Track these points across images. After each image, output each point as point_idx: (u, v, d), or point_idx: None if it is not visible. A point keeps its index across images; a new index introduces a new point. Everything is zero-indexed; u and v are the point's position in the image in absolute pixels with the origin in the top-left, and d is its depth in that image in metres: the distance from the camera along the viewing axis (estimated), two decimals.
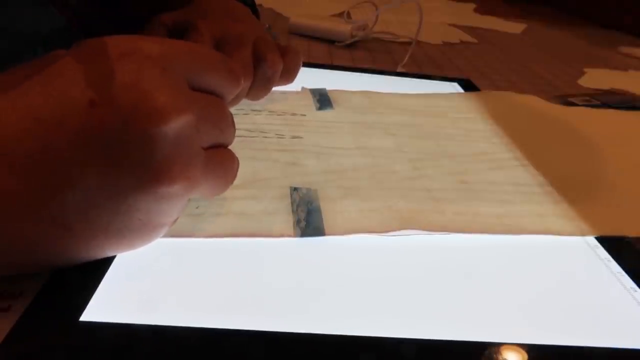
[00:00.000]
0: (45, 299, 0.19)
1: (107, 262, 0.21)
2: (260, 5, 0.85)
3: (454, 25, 0.92)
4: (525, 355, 0.19)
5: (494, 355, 0.19)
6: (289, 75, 0.37)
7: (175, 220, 0.20)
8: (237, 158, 0.22)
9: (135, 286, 0.20)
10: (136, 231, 0.19)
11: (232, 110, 0.22)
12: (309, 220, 0.25)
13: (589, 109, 0.50)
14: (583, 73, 0.68)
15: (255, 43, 0.34)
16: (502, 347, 0.19)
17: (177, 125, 0.17)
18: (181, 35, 0.33)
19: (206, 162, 0.19)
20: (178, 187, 0.18)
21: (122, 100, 0.16)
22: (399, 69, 0.58)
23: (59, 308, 0.18)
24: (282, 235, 0.24)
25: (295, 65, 0.37)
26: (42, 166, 0.16)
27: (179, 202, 0.19)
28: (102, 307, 0.19)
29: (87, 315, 0.18)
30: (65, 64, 0.17)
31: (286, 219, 0.25)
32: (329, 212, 0.26)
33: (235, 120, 0.22)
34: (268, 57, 0.33)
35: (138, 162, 0.17)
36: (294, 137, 0.34)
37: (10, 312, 0.18)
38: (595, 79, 0.66)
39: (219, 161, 0.21)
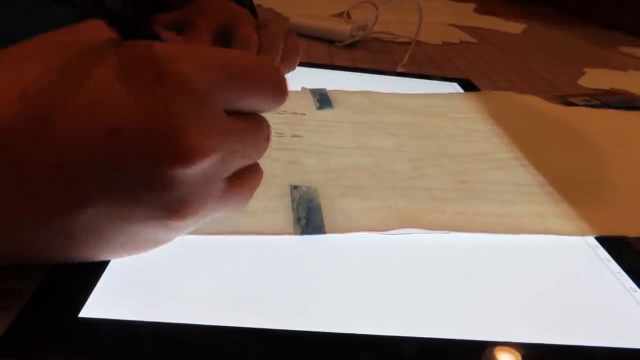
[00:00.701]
0: (45, 295, 0.19)
1: None
2: (260, 5, 0.85)
3: (454, 25, 0.92)
4: (525, 355, 0.19)
5: (494, 354, 0.19)
6: (291, 55, 0.35)
7: None
8: (260, 173, 0.21)
9: (135, 283, 0.20)
10: (142, 246, 0.19)
11: None
12: (309, 219, 0.25)
13: (589, 109, 0.50)
14: (583, 73, 0.68)
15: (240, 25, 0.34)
16: (502, 346, 0.19)
17: (200, 168, 0.16)
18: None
19: (225, 189, 0.19)
20: (189, 221, 0.17)
21: (146, 133, 0.15)
22: (399, 69, 0.58)
23: (58, 304, 0.18)
24: (282, 234, 0.24)
25: (295, 46, 0.36)
26: (55, 182, 0.15)
27: (188, 229, 0.19)
28: (101, 304, 0.19)
29: (86, 312, 0.18)
30: (102, 74, 0.15)
31: (286, 217, 0.25)
32: (329, 211, 0.26)
33: None
34: (242, 31, 0.33)
35: (152, 198, 0.16)
36: (294, 136, 0.34)
37: (10, 311, 0.18)
38: (595, 79, 0.66)
39: (238, 185, 0.19)
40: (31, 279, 0.19)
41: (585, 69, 0.70)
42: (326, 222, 0.25)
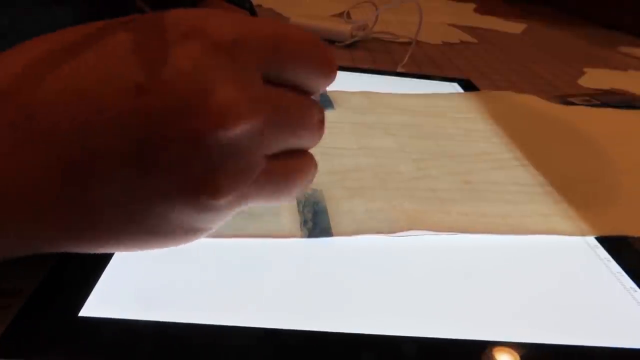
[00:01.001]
0: (45, 294, 0.19)
1: (107, 257, 0.21)
2: (260, 5, 0.85)
3: (454, 25, 0.92)
4: (525, 355, 0.19)
5: (494, 354, 0.19)
6: None
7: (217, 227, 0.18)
8: (312, 162, 0.19)
9: (135, 282, 0.20)
10: (171, 234, 0.17)
11: None
12: (315, 221, 0.25)
13: (588, 108, 0.50)
14: (583, 73, 0.68)
15: None
16: (502, 346, 0.19)
17: (234, 133, 0.14)
18: None
19: (266, 172, 0.17)
20: (224, 200, 0.16)
21: (174, 92, 0.14)
22: (399, 69, 0.58)
23: (58, 303, 0.18)
24: (289, 236, 0.24)
25: None
26: (73, 148, 0.14)
27: (224, 213, 0.17)
28: (101, 303, 0.19)
29: (86, 311, 0.18)
30: (121, 38, 0.15)
31: (292, 220, 0.25)
32: (334, 213, 0.26)
33: None
34: None
35: (180, 167, 0.15)
36: None
37: (10, 310, 0.18)
38: (595, 79, 0.66)
39: (282, 172, 0.18)
40: (31, 279, 0.19)
41: (585, 69, 0.70)
42: (332, 224, 0.25)
